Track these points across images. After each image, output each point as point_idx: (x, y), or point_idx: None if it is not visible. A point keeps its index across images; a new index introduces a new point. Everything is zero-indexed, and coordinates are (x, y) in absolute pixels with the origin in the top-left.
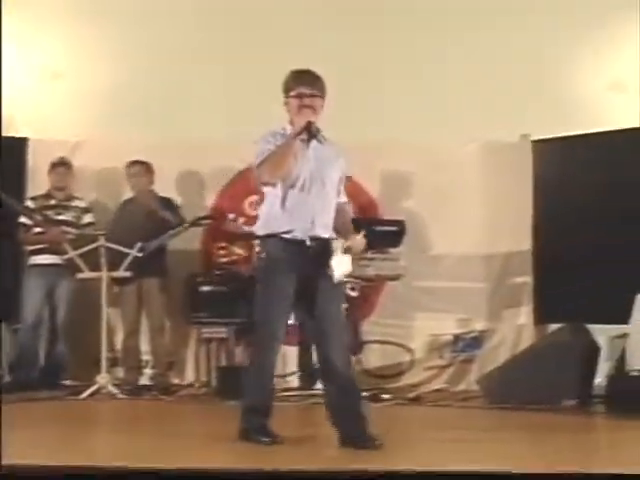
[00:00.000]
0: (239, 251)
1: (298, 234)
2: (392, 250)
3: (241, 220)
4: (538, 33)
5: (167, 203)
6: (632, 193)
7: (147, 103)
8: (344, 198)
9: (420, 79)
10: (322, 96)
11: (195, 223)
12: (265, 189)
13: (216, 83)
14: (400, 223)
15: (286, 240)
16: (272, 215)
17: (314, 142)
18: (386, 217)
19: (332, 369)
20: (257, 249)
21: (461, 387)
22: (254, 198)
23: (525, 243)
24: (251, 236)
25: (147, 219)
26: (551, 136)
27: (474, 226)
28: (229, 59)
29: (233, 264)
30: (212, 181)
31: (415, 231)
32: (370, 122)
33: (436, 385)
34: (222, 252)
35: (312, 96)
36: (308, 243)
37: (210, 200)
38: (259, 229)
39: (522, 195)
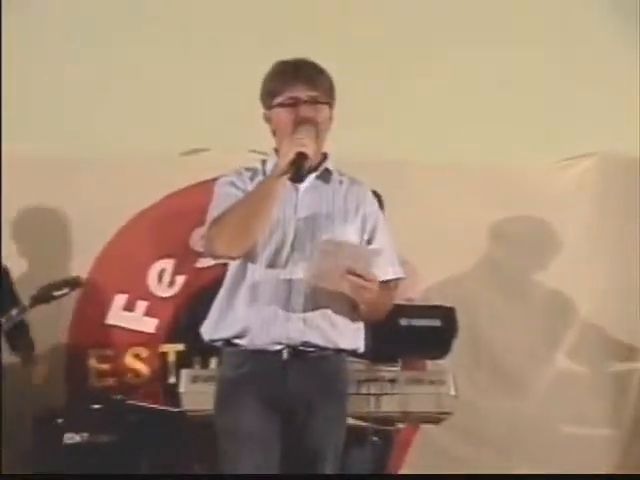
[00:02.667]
0: (138, 367)
1: (262, 341)
2: (432, 364)
3: (141, 305)
4: None
5: None
6: None
7: None
8: (392, 272)
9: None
10: (330, 102)
11: (44, 297)
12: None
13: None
14: (447, 313)
15: (246, 351)
16: (222, 307)
17: (307, 182)
18: (419, 301)
19: None
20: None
21: None
22: (166, 264)
23: None
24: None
25: None
26: None
27: (594, 308)
28: None
29: (128, 392)
30: (89, 227)
31: (474, 327)
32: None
33: None
34: (105, 367)
35: (314, 102)
36: (285, 357)
37: (84, 265)
38: (205, 331)
39: None
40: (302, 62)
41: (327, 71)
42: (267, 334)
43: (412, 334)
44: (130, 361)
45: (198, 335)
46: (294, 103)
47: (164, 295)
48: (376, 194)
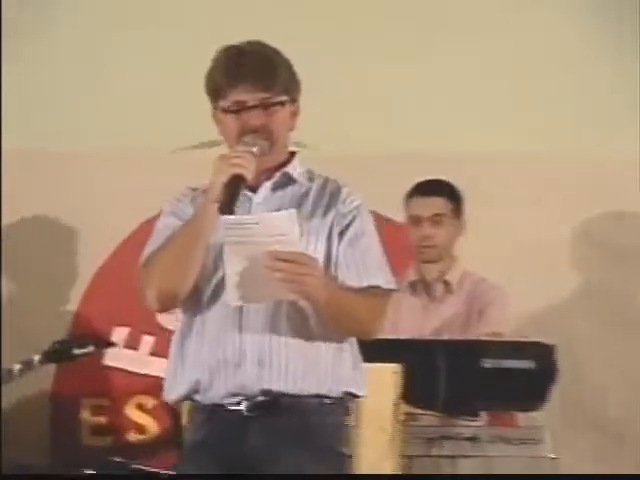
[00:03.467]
0: (143, 421)
1: (214, 394)
2: (524, 418)
3: (147, 342)
4: None
5: None
6: None
7: None
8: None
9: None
10: (288, 98)
11: (61, 355)
12: None
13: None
14: (544, 352)
15: (205, 409)
16: (176, 357)
17: (262, 192)
18: (507, 336)
19: None
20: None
21: None
22: None
23: None
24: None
25: None
26: None
27: None
28: None
29: (129, 454)
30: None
31: (577, 370)
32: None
33: None
34: (101, 420)
35: (265, 106)
36: (245, 412)
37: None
38: (165, 391)
39: None
40: (248, 52)
41: (281, 55)
42: (218, 385)
43: (498, 379)
44: (133, 413)
45: None
46: (239, 109)
47: (175, 328)
48: (454, 191)
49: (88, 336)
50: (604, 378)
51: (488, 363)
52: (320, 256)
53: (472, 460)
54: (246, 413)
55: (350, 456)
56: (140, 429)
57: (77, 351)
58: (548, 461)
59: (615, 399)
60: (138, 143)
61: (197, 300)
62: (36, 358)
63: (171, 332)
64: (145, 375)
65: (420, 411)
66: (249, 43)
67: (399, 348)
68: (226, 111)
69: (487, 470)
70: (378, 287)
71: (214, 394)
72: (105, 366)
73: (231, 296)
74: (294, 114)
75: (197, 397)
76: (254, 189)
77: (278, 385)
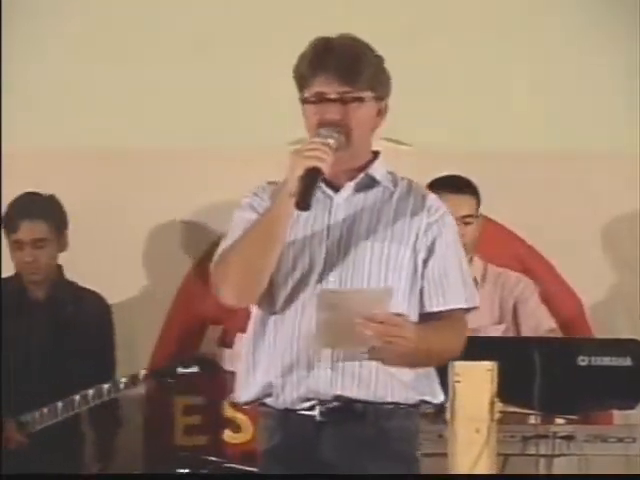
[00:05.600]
0: (238, 419)
1: (287, 398)
2: (620, 416)
3: (241, 339)
4: None
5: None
6: None
7: None
8: (442, 301)
9: None
10: (374, 96)
11: (163, 373)
12: None
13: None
14: (636, 347)
15: (277, 414)
16: (248, 359)
17: (345, 192)
18: (599, 334)
19: None
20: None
21: None
22: None
23: None
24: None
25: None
26: None
27: None
28: None
29: (225, 453)
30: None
31: None
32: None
33: None
34: (195, 420)
35: (345, 101)
36: (318, 417)
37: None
38: (236, 393)
39: None
40: (336, 44)
41: (372, 51)
42: (291, 389)
43: (594, 377)
44: (228, 412)
45: None
46: (319, 101)
47: None
48: (476, 188)
49: (194, 357)
50: None
51: (584, 361)
52: (404, 266)
53: (568, 459)
54: (319, 418)
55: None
56: (235, 428)
57: (181, 370)
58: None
59: None
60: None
61: (272, 299)
62: (142, 373)
63: None
64: None
65: (516, 409)
66: (340, 36)
67: (494, 347)
68: (307, 102)
69: (583, 469)
70: (460, 309)
71: (286, 398)
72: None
73: (319, 341)
74: (380, 113)
75: (269, 401)
76: (337, 188)
77: (351, 391)
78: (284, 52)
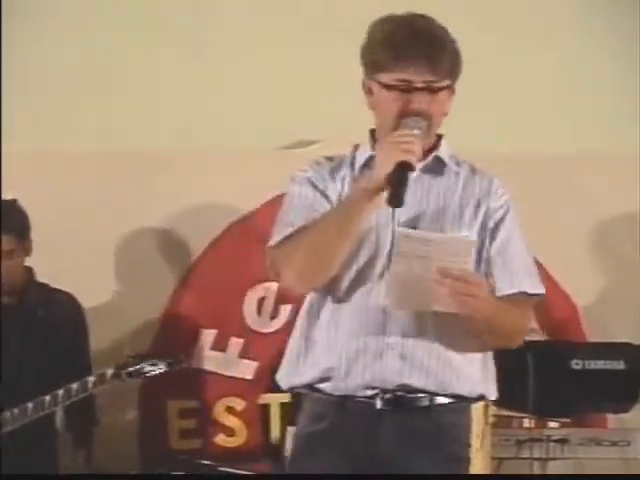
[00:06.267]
0: (232, 423)
1: (349, 384)
2: (614, 420)
3: (235, 344)
4: None
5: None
6: None
7: None
8: (508, 287)
9: None
10: (451, 84)
11: (124, 372)
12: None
13: None
14: (634, 352)
15: (330, 399)
16: (300, 344)
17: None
18: (593, 337)
19: None
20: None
21: None
22: (267, 289)
23: None
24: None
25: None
26: None
27: None
28: None
29: (218, 456)
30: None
31: None
32: None
33: None
34: (189, 423)
35: (431, 90)
36: (379, 405)
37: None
38: (281, 378)
39: None
40: (421, 28)
41: (450, 34)
42: (355, 375)
43: (588, 380)
44: (221, 416)
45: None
46: (405, 88)
47: (265, 330)
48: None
49: (162, 355)
50: None
51: (578, 364)
52: (470, 252)
53: (562, 463)
54: (380, 407)
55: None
56: (229, 432)
57: (148, 369)
58: (639, 463)
59: None
60: (230, 142)
61: (334, 283)
62: (109, 372)
63: (261, 334)
64: (233, 377)
65: (510, 413)
66: (421, 17)
67: None
68: (388, 87)
69: (577, 472)
70: (525, 293)
71: (347, 384)
72: (193, 369)
73: (389, 298)
74: (451, 99)
75: (324, 386)
76: (399, 203)
77: (418, 381)
78: (268, 54)
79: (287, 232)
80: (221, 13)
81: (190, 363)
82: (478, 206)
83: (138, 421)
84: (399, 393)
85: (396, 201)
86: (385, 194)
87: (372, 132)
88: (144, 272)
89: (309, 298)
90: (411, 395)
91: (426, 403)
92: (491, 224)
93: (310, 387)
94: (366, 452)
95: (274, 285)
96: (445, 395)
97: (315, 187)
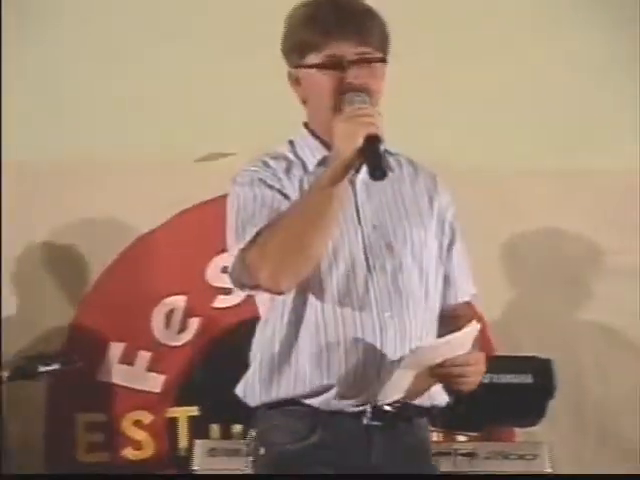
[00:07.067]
0: (139, 437)
1: (346, 401)
2: (522, 433)
3: (143, 357)
4: None
5: None
6: None
7: None
8: (467, 290)
9: None
10: (385, 58)
11: (26, 372)
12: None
13: None
14: (542, 366)
15: (314, 415)
16: (274, 357)
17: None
18: (500, 351)
19: None
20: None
21: None
22: (176, 303)
23: None
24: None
25: None
26: None
27: None
28: None
29: (126, 470)
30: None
31: (577, 384)
32: None
33: None
34: (97, 437)
35: (366, 62)
36: (366, 420)
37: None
38: (248, 393)
39: None
40: (346, 3)
41: (378, 11)
42: (354, 392)
43: (496, 394)
44: (129, 429)
45: (217, 395)
46: (336, 64)
47: (173, 344)
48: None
49: (55, 354)
50: (604, 389)
51: (485, 378)
52: (432, 253)
53: (470, 477)
54: (369, 422)
55: None
56: (137, 445)
57: (42, 369)
58: (546, 477)
59: (615, 410)
60: (129, 155)
61: (315, 288)
62: (5, 374)
63: (169, 348)
64: (141, 391)
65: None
66: None
67: None
68: (319, 67)
69: None
70: (474, 295)
71: (342, 403)
72: (101, 382)
73: (394, 392)
74: (384, 74)
75: (311, 401)
76: (382, 175)
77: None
78: (175, 65)
79: (253, 232)
80: (125, 28)
81: (96, 374)
82: (431, 203)
83: (45, 434)
84: (388, 408)
85: (379, 172)
86: (365, 169)
87: (306, 125)
88: (47, 285)
89: (281, 312)
90: (397, 409)
91: (409, 415)
92: (446, 222)
93: (289, 402)
94: (360, 468)
95: (182, 298)
96: (425, 407)
97: (271, 187)
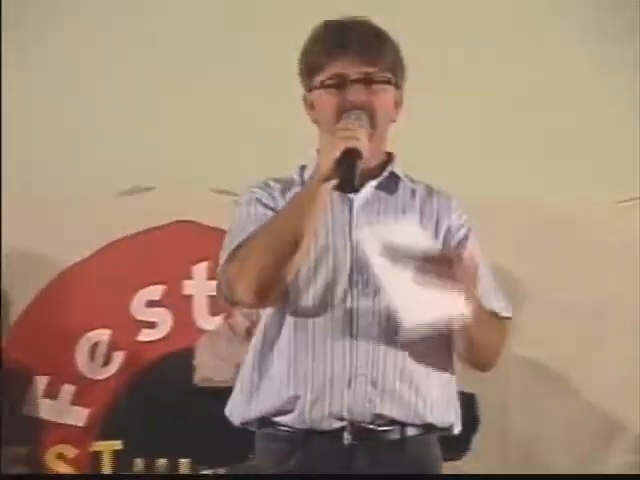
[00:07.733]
0: (63, 470)
1: (314, 416)
2: (446, 467)
3: (67, 391)
4: None
5: None
6: None
7: None
8: (500, 307)
9: None
10: (395, 80)
11: None
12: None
13: None
14: (465, 401)
15: (292, 435)
16: (253, 374)
17: (365, 193)
18: None
19: None
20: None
21: None
22: (100, 336)
23: None
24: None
25: None
26: None
27: None
28: None
29: None
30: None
31: (500, 419)
32: None
33: None
34: (19, 470)
35: (369, 82)
36: (347, 439)
37: None
38: (232, 412)
39: None
40: (353, 24)
41: (389, 35)
42: (320, 405)
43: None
44: (53, 463)
45: (141, 429)
46: (340, 83)
47: (97, 377)
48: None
49: None
50: (529, 426)
51: None
52: None
53: (465, 476)
54: (349, 441)
55: None
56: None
57: None
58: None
59: (542, 447)
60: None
61: (292, 302)
62: None
63: (93, 381)
64: (65, 425)
65: None
66: (353, 18)
67: None
68: (323, 86)
69: None
70: (495, 314)
71: (314, 416)
72: (24, 416)
73: (407, 321)
74: (397, 104)
75: (286, 419)
76: (352, 188)
77: (390, 411)
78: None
79: (233, 247)
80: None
81: (20, 408)
82: (438, 223)
83: None
84: (369, 425)
85: (348, 186)
86: (333, 182)
87: (318, 151)
88: None
89: (261, 327)
90: (382, 427)
91: (397, 436)
92: (454, 243)
93: (266, 421)
94: None
95: (106, 332)
96: (417, 425)
97: (265, 205)
